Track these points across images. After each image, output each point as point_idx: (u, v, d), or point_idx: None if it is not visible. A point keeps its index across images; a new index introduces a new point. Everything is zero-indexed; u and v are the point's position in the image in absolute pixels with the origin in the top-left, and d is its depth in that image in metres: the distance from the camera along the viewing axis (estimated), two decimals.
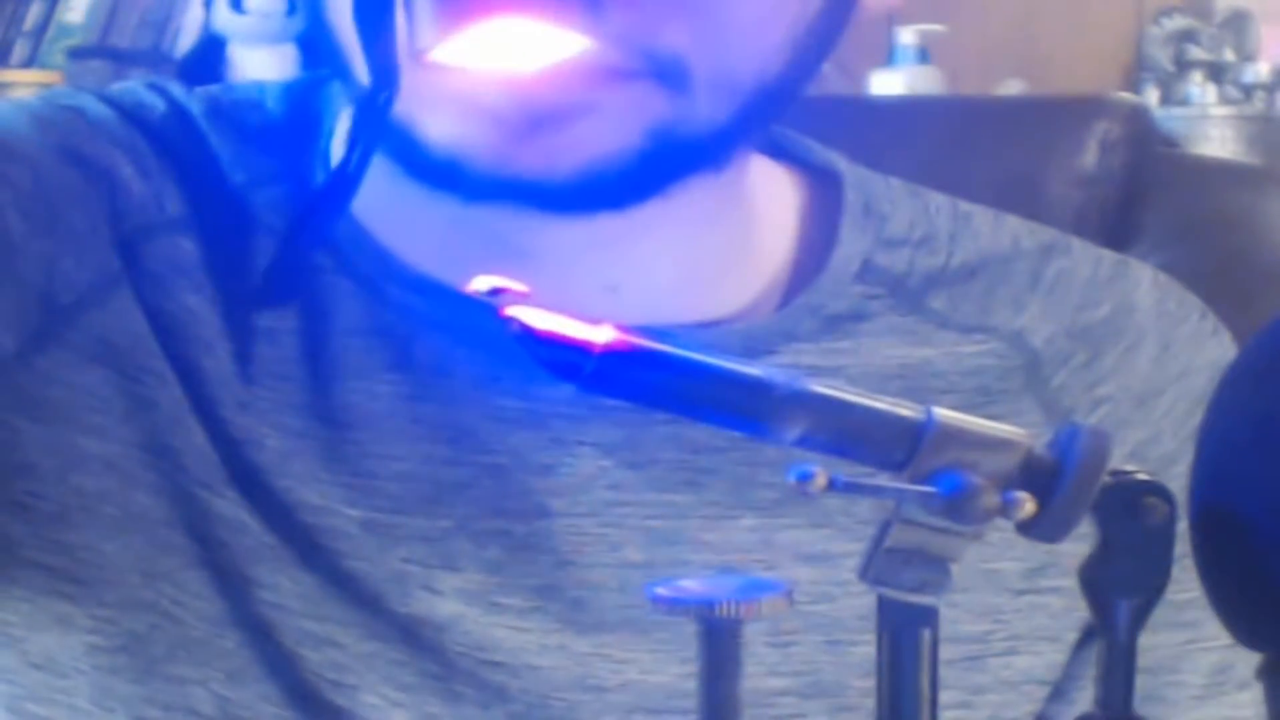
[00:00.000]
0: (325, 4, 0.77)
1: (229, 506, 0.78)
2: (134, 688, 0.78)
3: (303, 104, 0.84)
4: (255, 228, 0.81)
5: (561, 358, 0.48)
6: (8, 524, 0.77)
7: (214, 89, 0.86)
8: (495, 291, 0.49)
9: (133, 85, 0.85)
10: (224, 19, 2.40)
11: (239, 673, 0.77)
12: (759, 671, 0.79)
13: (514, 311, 0.48)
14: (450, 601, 0.78)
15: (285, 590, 0.78)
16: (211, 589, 0.78)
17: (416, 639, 0.78)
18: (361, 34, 0.70)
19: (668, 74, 0.74)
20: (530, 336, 0.48)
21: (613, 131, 0.74)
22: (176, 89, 0.84)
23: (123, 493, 0.78)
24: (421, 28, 0.70)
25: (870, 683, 0.51)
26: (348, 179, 0.73)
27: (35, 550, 0.77)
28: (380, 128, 0.72)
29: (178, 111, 0.83)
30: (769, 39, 0.76)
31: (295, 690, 0.77)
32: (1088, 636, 0.83)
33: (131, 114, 0.83)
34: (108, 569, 0.77)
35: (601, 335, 0.48)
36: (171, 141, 0.82)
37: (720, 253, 0.83)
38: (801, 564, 0.80)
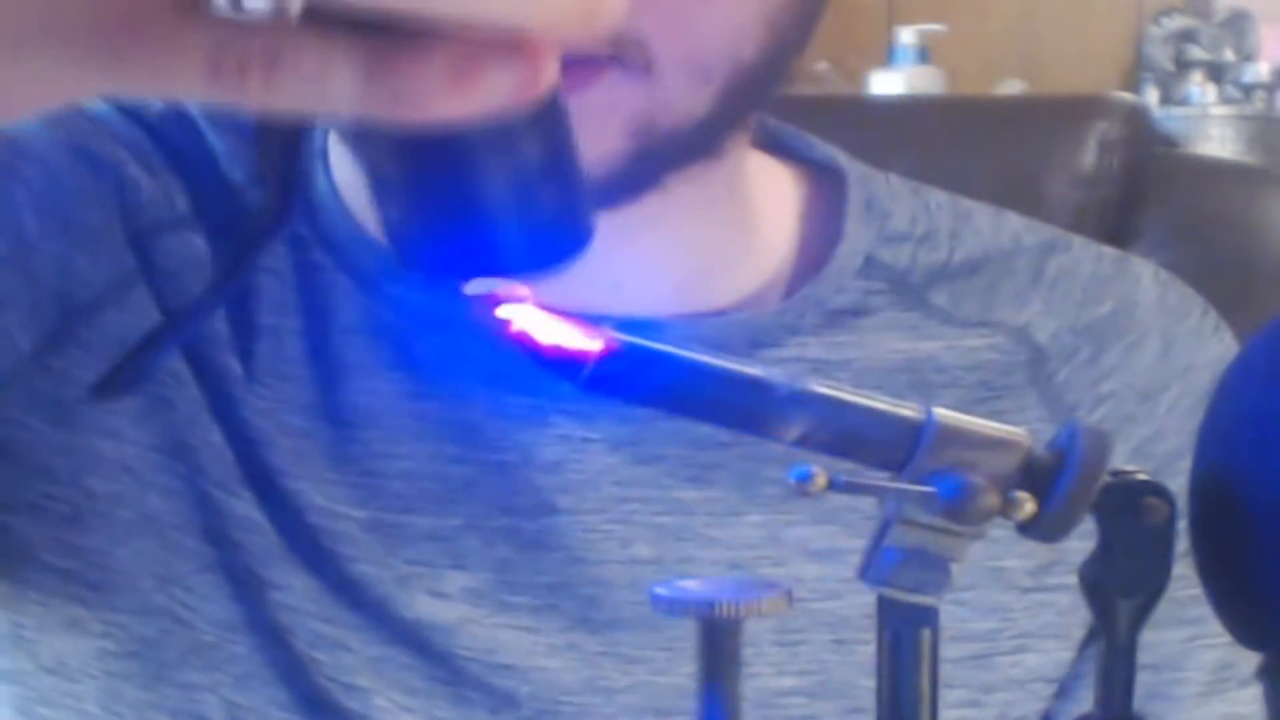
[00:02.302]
0: None
1: (243, 506, 0.78)
2: (143, 693, 0.78)
3: None
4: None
5: (559, 363, 0.48)
6: (23, 526, 0.77)
7: None
8: (494, 295, 0.49)
9: None
10: None
11: (249, 677, 0.77)
12: (768, 671, 0.79)
13: (511, 315, 0.48)
14: (457, 604, 0.78)
15: (298, 592, 0.78)
16: (224, 593, 0.78)
17: (424, 643, 0.78)
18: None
19: (633, 59, 0.72)
20: (527, 342, 0.48)
21: (592, 137, 0.73)
22: None
23: (137, 496, 0.78)
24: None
25: None
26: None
27: (49, 553, 0.77)
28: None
29: (176, 109, 0.83)
30: (737, 19, 0.74)
31: (306, 695, 0.77)
32: (1093, 634, 0.83)
33: (130, 111, 0.82)
34: (120, 573, 0.77)
35: (598, 340, 0.48)
36: (172, 139, 0.82)
37: (722, 246, 0.83)
38: (808, 560, 0.80)
